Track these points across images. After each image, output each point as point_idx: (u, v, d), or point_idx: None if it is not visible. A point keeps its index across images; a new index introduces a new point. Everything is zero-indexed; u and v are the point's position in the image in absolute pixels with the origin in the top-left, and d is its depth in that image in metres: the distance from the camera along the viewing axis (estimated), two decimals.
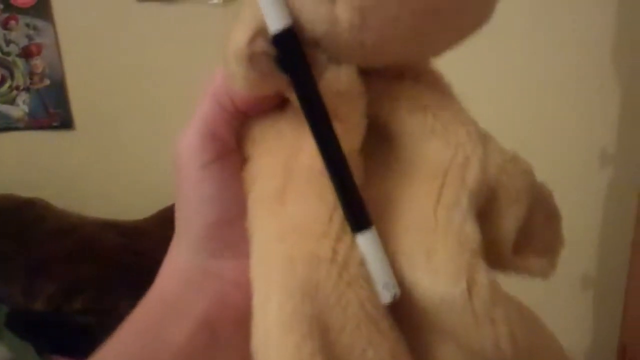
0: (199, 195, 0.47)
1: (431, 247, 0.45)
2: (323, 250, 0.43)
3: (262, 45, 0.42)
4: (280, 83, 0.43)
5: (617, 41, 1.63)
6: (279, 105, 0.48)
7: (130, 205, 1.98)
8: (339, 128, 0.44)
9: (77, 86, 2.00)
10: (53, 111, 2.01)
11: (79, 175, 2.08)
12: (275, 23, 0.42)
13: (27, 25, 1.94)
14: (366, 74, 0.46)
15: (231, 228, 0.47)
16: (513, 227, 0.49)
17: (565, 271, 1.75)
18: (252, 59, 0.42)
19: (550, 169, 1.78)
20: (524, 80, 1.67)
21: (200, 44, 1.89)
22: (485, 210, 0.47)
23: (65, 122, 2.02)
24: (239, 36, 0.42)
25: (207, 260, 0.47)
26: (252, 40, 0.42)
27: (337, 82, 0.44)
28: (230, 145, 0.48)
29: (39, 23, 1.93)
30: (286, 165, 0.46)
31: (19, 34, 1.95)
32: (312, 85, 0.43)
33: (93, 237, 1.83)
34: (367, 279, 0.44)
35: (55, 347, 1.67)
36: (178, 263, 0.48)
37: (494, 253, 0.48)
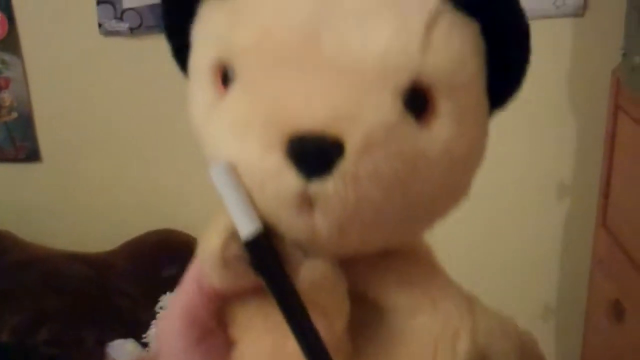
0: None
1: None
2: None
3: (235, 250, 0.47)
4: (255, 281, 0.47)
5: (572, 73, 1.67)
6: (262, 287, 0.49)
7: (95, 238, 2.00)
8: (320, 315, 0.47)
9: (45, 119, 2.03)
10: (20, 144, 2.03)
11: (45, 207, 2.10)
12: (246, 230, 0.46)
13: None
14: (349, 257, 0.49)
15: None
16: None
17: (526, 302, 1.79)
18: (226, 263, 0.47)
19: (508, 201, 1.82)
20: None
21: (166, 78, 1.90)
22: None
23: (32, 155, 2.05)
24: (213, 241, 0.47)
25: None
26: (225, 245, 0.47)
27: (313, 275, 0.48)
28: (212, 328, 0.51)
29: (7, 57, 1.97)
30: (273, 355, 0.49)
31: None
32: (286, 284, 0.46)
33: (58, 268, 1.84)
34: None
35: None
36: None
37: None
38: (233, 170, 0.47)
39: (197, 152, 1.87)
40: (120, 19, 1.88)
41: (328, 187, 0.44)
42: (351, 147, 0.44)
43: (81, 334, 1.72)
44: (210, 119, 0.51)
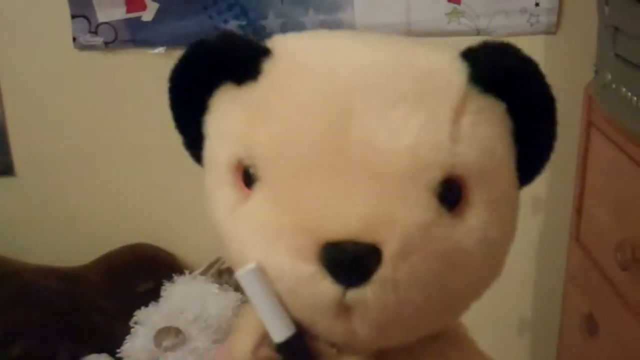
0: None
1: None
2: None
3: (266, 352, 0.47)
4: None
5: None
6: None
7: (69, 252, 1.99)
8: None
9: (18, 133, 2.02)
10: None
11: (19, 221, 2.09)
12: (278, 333, 0.46)
13: None
14: None
15: None
16: None
17: (501, 316, 1.80)
18: None
19: None
20: None
21: (141, 93, 1.92)
22: None
23: (5, 169, 2.04)
24: (243, 342, 0.48)
25: None
26: (257, 348, 0.47)
27: None
28: None
29: None
30: None
31: None
32: None
33: (32, 283, 1.84)
34: None
35: None
36: None
37: None
38: (262, 273, 0.46)
39: (171, 166, 1.88)
40: (95, 33, 1.88)
41: (367, 294, 0.43)
42: (389, 252, 0.43)
43: (55, 349, 1.71)
44: (234, 221, 0.50)
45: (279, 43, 0.51)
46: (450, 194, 0.47)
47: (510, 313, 1.91)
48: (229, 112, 0.52)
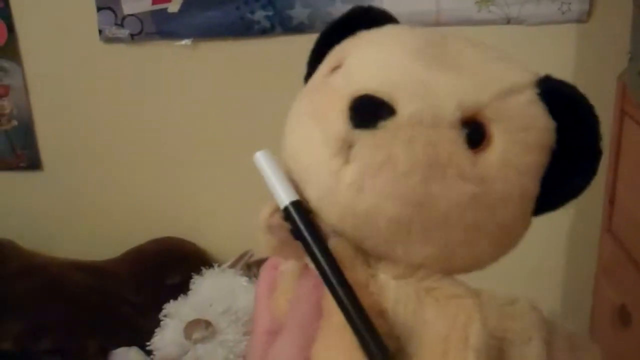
0: None
1: None
2: None
3: (278, 218, 0.52)
4: (297, 249, 0.52)
5: (577, 79, 1.68)
6: None
7: (97, 246, 2.02)
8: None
9: (45, 127, 2.05)
10: (21, 152, 2.06)
11: (47, 215, 2.12)
12: (283, 200, 0.52)
13: None
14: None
15: None
16: None
17: None
18: (270, 229, 0.52)
19: None
20: None
21: (168, 85, 1.93)
22: (503, 358, 0.54)
23: (32, 163, 2.07)
24: (263, 211, 0.52)
25: None
26: (271, 214, 0.52)
27: (336, 247, 0.51)
28: None
29: (7, 64, 1.99)
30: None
31: None
32: (320, 245, 0.51)
33: (60, 277, 1.86)
34: None
35: None
36: None
37: None
38: (271, 156, 0.53)
39: (199, 159, 1.91)
40: (121, 25, 1.90)
41: (367, 136, 0.48)
42: (401, 114, 0.48)
43: (84, 343, 1.74)
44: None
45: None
46: (475, 132, 0.50)
47: (541, 305, 1.91)
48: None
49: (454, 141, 0.49)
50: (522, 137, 0.50)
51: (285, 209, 0.51)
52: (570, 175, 0.54)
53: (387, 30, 0.58)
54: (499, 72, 0.52)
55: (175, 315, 1.71)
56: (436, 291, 0.52)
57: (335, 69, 0.55)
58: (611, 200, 1.58)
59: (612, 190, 1.57)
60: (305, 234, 0.51)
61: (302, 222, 0.51)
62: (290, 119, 0.56)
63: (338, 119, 0.50)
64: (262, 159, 0.53)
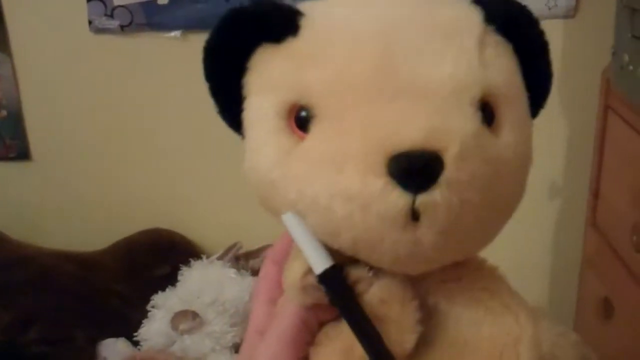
0: None
1: None
2: None
3: (312, 280, 0.51)
4: (332, 311, 0.52)
5: (563, 74, 1.72)
6: None
7: (86, 237, 2.03)
8: (392, 329, 0.51)
9: (34, 117, 2.05)
10: (10, 142, 2.06)
11: (36, 206, 2.13)
12: (318, 267, 0.51)
13: None
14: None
15: None
16: None
17: None
18: (304, 290, 0.52)
19: None
20: None
21: (157, 76, 1.94)
22: None
23: (22, 153, 2.07)
24: (296, 269, 0.52)
25: None
26: (304, 275, 0.52)
27: (382, 292, 0.52)
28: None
29: None
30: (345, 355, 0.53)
31: None
32: (356, 312, 0.51)
33: (49, 267, 1.86)
34: None
35: None
36: None
37: None
38: (300, 218, 0.52)
39: (188, 150, 1.92)
40: (111, 16, 1.91)
41: (435, 196, 0.47)
42: (450, 157, 0.47)
43: (72, 333, 1.74)
44: (287, 164, 0.53)
45: (309, 5, 0.56)
46: (486, 112, 0.52)
47: (526, 298, 1.93)
48: (273, 65, 0.55)
49: (487, 139, 0.51)
50: (513, 92, 0.54)
51: (321, 276, 0.51)
52: (534, 79, 0.58)
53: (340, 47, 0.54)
54: (457, 34, 0.54)
55: (163, 306, 1.72)
56: (494, 297, 0.55)
57: (294, 117, 0.53)
58: (595, 194, 1.60)
59: (596, 184, 1.59)
60: (343, 301, 0.51)
61: (340, 288, 0.51)
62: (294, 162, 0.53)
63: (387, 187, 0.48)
64: (291, 220, 0.52)
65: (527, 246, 1.89)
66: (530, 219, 1.86)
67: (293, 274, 0.52)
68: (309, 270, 0.51)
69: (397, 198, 0.47)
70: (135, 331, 1.73)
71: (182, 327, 1.65)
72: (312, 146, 0.52)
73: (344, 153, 0.49)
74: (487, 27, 0.55)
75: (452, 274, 0.55)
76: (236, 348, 1.67)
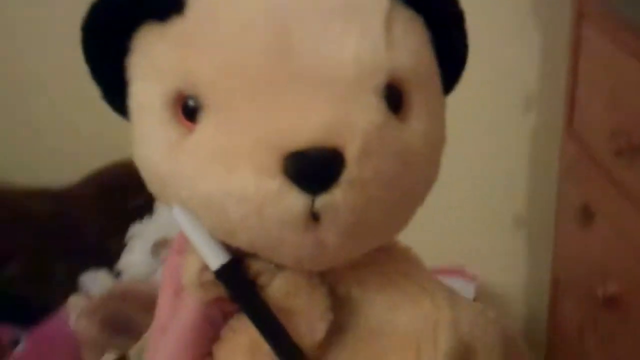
0: None
1: None
2: None
3: (209, 277, 0.50)
4: (232, 303, 0.51)
5: None
6: None
7: (57, 171, 1.99)
8: (301, 321, 0.50)
9: None
10: None
11: (1, 142, 2.07)
12: (214, 263, 0.49)
13: None
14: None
15: None
16: None
17: (497, 213, 1.83)
18: (202, 286, 0.50)
19: (475, 114, 1.85)
20: None
21: None
22: None
23: None
24: (193, 265, 0.50)
25: None
26: (201, 271, 0.50)
27: (286, 285, 0.50)
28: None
29: None
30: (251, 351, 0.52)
31: None
32: (256, 305, 0.50)
33: (22, 205, 1.86)
34: None
35: None
36: None
37: None
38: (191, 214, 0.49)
39: None
40: None
41: (336, 197, 0.45)
42: (351, 153, 0.45)
43: (52, 268, 1.75)
44: (176, 158, 0.49)
45: None
46: (394, 99, 0.49)
47: (506, 210, 1.95)
48: (157, 48, 0.51)
49: (393, 129, 0.49)
50: (423, 71, 0.52)
51: (218, 272, 0.49)
52: (449, 48, 0.56)
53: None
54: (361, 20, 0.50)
55: (141, 236, 1.72)
56: (408, 279, 0.54)
57: (181, 106, 0.50)
58: (571, 103, 1.60)
59: (572, 92, 1.59)
60: (243, 294, 0.50)
61: (239, 282, 0.50)
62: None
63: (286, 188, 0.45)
64: (181, 216, 0.50)
65: (505, 158, 1.89)
66: (506, 129, 1.87)
67: (190, 269, 0.50)
68: (206, 266, 0.49)
69: (294, 200, 0.45)
70: (115, 263, 1.73)
71: (162, 254, 1.66)
72: (201, 140, 0.48)
73: (235, 150, 0.46)
74: (394, 2, 0.51)
75: (361, 260, 0.53)
76: None
